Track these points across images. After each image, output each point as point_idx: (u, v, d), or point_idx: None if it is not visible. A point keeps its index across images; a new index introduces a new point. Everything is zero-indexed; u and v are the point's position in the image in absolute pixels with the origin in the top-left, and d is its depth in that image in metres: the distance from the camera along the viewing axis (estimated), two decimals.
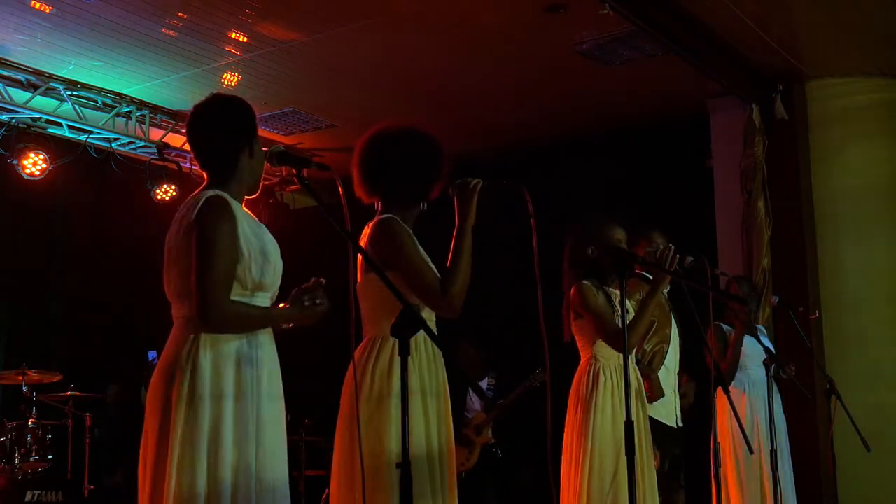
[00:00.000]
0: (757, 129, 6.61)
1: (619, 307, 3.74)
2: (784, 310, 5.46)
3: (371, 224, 2.97)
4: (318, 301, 2.61)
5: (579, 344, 3.88)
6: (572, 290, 3.80)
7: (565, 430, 3.78)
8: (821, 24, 5.92)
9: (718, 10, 5.61)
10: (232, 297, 2.53)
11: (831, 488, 5.98)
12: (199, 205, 2.53)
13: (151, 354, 7.15)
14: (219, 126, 2.68)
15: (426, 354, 2.91)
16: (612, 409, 3.68)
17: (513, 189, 2.94)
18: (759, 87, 6.66)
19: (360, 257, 2.90)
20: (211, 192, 2.57)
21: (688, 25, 5.78)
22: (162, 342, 2.63)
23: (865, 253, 6.55)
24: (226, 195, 2.57)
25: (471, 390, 7.26)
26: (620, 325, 3.54)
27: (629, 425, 3.04)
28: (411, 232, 2.99)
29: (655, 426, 4.54)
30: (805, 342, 5.39)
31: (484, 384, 7.39)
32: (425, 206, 3.09)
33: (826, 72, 6.65)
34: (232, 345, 2.51)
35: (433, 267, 2.92)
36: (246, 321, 2.56)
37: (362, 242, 2.93)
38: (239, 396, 2.50)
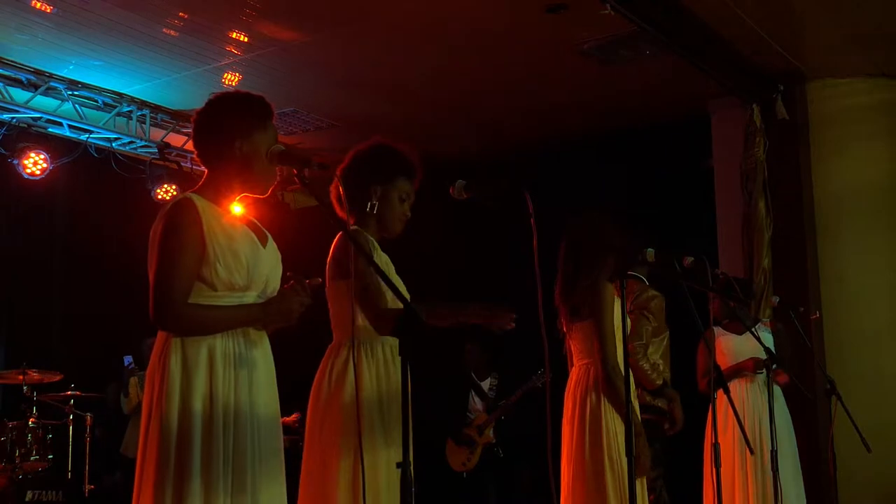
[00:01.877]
0: (758, 130, 6.61)
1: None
2: (785, 310, 5.46)
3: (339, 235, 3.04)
4: (295, 301, 2.55)
5: (578, 347, 3.80)
6: (597, 288, 3.70)
7: (564, 433, 3.75)
8: (821, 25, 5.92)
9: (719, 11, 5.61)
10: (198, 299, 2.48)
11: (831, 488, 5.98)
12: (167, 209, 2.53)
13: (127, 360, 7.14)
14: (201, 126, 2.65)
15: (383, 359, 2.94)
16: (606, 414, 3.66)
17: (513, 190, 2.93)
18: (760, 87, 6.65)
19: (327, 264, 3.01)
20: (181, 196, 2.56)
21: (688, 25, 5.78)
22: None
23: (865, 253, 6.55)
24: (195, 197, 2.53)
25: (473, 391, 7.27)
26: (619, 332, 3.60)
27: (629, 425, 3.03)
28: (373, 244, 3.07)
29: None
30: (805, 342, 5.39)
31: (486, 384, 7.40)
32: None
33: (827, 72, 6.65)
34: (202, 345, 2.45)
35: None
36: (203, 323, 2.48)
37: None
38: (211, 399, 2.44)
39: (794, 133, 6.67)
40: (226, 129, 2.59)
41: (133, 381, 7.05)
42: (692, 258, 3.82)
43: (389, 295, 2.90)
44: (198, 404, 2.42)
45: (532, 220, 2.81)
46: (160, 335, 2.52)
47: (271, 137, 2.65)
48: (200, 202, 2.53)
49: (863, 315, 6.43)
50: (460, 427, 7.13)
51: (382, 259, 3.06)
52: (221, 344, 2.48)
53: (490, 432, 7.11)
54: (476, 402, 7.27)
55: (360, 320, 2.92)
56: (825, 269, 6.58)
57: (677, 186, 7.08)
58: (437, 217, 6.33)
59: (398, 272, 3.09)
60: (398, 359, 2.89)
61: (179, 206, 2.50)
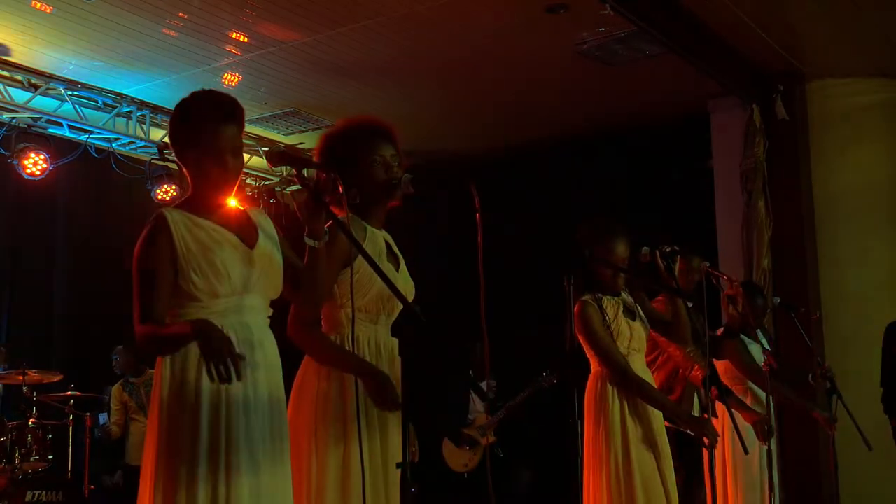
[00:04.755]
0: (757, 130, 6.62)
1: (616, 320, 3.73)
2: (785, 311, 5.46)
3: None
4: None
5: (588, 353, 3.82)
6: (576, 307, 3.72)
7: (585, 440, 3.75)
8: (821, 25, 5.92)
9: (718, 10, 5.62)
10: (188, 311, 2.45)
11: (832, 487, 5.99)
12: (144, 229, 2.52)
13: (102, 419, 7.15)
14: (177, 136, 2.62)
15: (369, 353, 2.85)
16: (623, 420, 3.67)
17: (460, 183, 2.77)
18: (760, 87, 6.66)
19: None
20: (156, 212, 2.53)
21: (688, 25, 5.78)
22: None
23: (865, 253, 6.55)
24: (169, 211, 2.52)
25: (473, 391, 7.25)
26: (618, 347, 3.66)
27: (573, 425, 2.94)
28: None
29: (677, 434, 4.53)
30: (806, 342, 5.39)
31: (484, 385, 7.38)
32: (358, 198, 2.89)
33: (826, 72, 6.65)
34: (196, 351, 2.41)
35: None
36: (155, 342, 2.45)
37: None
38: (212, 406, 2.42)
39: (793, 133, 6.67)
40: (173, 138, 2.60)
41: (111, 431, 7.07)
42: (669, 248, 3.79)
43: (378, 284, 2.79)
44: (205, 397, 2.41)
45: (478, 214, 2.64)
46: None
47: (236, 129, 2.60)
48: (174, 215, 2.50)
49: (863, 315, 6.43)
50: (459, 428, 7.10)
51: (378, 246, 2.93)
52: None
53: (491, 434, 7.09)
54: (477, 403, 7.24)
55: (350, 312, 2.79)
56: (825, 269, 6.58)
57: (677, 186, 7.08)
58: (439, 217, 6.33)
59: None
60: (383, 355, 2.86)
61: (149, 225, 2.50)
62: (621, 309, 3.80)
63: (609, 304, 3.77)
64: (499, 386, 7.37)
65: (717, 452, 5.11)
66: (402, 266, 3.00)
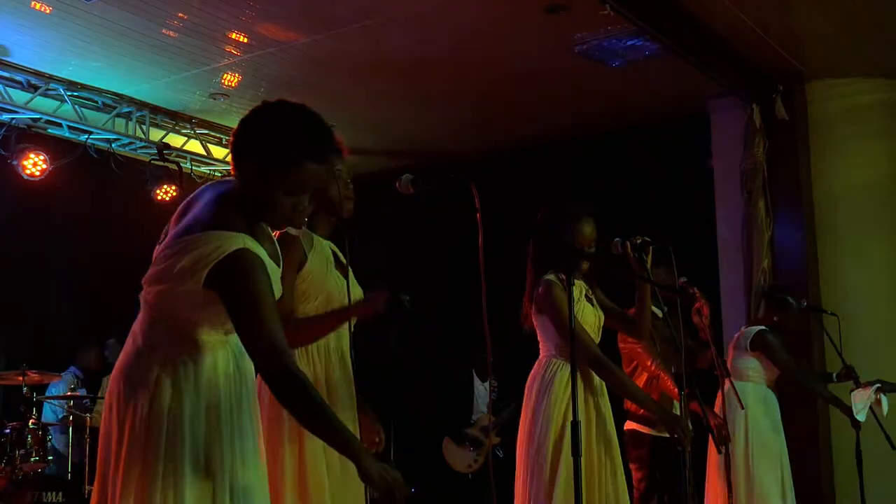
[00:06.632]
0: (757, 130, 6.61)
1: (581, 302, 3.70)
2: (813, 313, 5.53)
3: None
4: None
5: (540, 338, 3.75)
6: (540, 288, 3.64)
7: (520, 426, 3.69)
8: (821, 25, 5.92)
9: (718, 11, 5.62)
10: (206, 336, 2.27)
11: (830, 481, 6.07)
12: (228, 255, 2.10)
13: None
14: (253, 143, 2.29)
15: (318, 356, 2.86)
16: (564, 410, 3.57)
17: (459, 183, 2.66)
18: (760, 87, 6.66)
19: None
20: (237, 245, 2.12)
21: (688, 25, 5.78)
22: None
23: (865, 253, 6.56)
24: (253, 249, 2.16)
25: (477, 393, 7.24)
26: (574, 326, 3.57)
27: (575, 426, 2.83)
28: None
29: (639, 436, 4.50)
30: (832, 343, 5.45)
31: (486, 386, 7.39)
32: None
33: (826, 72, 6.65)
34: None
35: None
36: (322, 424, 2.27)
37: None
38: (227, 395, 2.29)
39: (793, 133, 6.67)
40: (296, 164, 2.27)
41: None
42: (640, 239, 3.76)
43: (326, 291, 2.86)
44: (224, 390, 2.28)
45: (478, 214, 2.60)
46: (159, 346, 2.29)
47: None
48: (259, 250, 2.23)
49: (863, 315, 6.42)
50: (461, 427, 7.09)
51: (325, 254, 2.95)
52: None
53: (494, 434, 7.10)
54: (479, 403, 7.23)
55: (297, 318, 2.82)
56: (825, 269, 6.58)
57: (677, 186, 7.08)
58: (438, 217, 6.33)
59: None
60: (332, 357, 2.86)
61: (253, 266, 2.18)
62: (584, 292, 3.76)
63: (574, 285, 3.74)
64: (500, 386, 7.36)
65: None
66: (351, 275, 2.96)
